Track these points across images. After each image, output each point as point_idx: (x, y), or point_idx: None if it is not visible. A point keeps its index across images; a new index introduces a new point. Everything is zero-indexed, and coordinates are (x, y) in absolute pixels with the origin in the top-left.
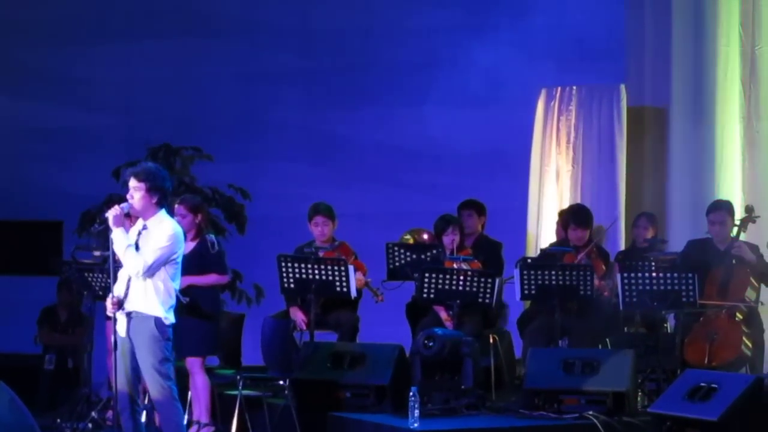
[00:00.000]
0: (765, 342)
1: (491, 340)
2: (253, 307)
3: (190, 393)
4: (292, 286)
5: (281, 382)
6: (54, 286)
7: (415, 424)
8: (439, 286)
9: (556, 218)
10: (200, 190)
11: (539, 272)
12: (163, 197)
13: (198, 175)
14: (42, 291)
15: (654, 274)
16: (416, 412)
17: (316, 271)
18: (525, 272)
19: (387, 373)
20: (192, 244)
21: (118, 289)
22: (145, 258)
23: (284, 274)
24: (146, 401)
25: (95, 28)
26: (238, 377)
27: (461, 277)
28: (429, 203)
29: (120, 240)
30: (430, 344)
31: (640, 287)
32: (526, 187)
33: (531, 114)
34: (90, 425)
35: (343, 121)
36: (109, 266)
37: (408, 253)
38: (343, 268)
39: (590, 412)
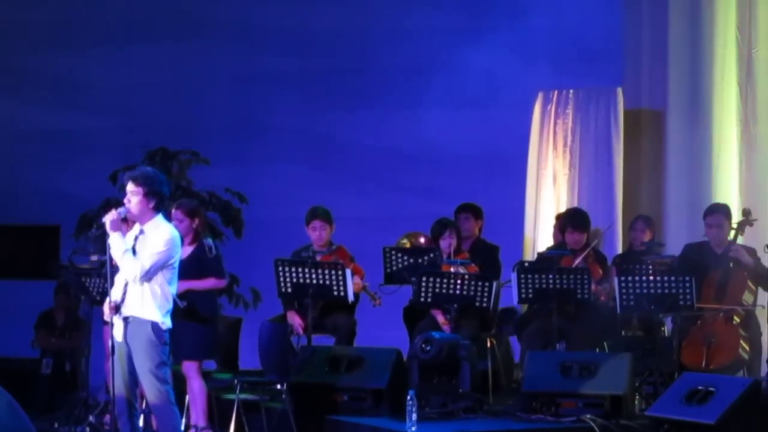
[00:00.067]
0: (762, 345)
1: (488, 344)
2: (250, 311)
3: (187, 397)
4: (289, 290)
5: (278, 386)
6: (51, 290)
7: (413, 428)
8: (437, 290)
9: (553, 221)
10: (197, 194)
11: (537, 276)
12: (160, 202)
13: (195, 179)
14: (39, 295)
15: (651, 278)
16: (413, 416)
17: (314, 275)
18: (522, 276)
19: (384, 376)
20: (189, 249)
21: (115, 294)
22: (143, 262)
23: (281, 278)
24: (144, 405)
25: (93, 31)
26: (236, 381)
27: (458, 281)
28: (426, 206)
29: (117, 244)
30: (428, 348)
31: (638, 290)
32: (524, 190)
33: (528, 117)
34: (87, 429)
35: (341, 123)
36: (107, 271)
37: (405, 257)
38: (340, 272)
39: (588, 416)
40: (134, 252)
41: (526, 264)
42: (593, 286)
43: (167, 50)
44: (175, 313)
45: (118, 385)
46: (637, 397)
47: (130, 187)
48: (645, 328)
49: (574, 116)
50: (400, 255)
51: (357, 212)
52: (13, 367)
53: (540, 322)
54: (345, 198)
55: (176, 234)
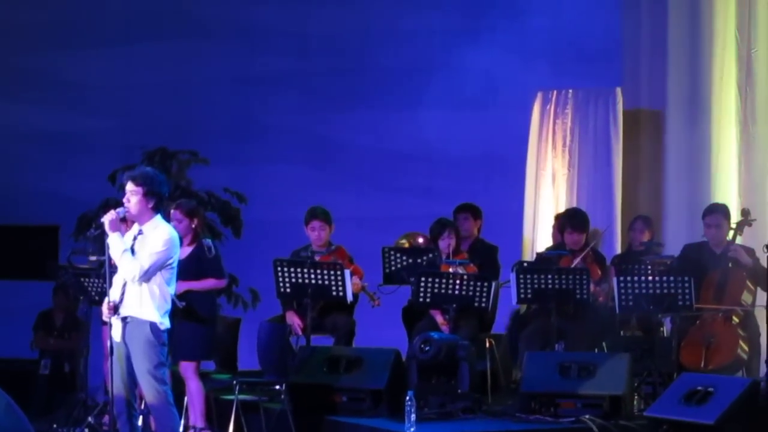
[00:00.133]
0: (761, 345)
1: (487, 344)
2: (249, 312)
3: (186, 398)
4: (288, 290)
5: (277, 387)
6: (50, 290)
7: (412, 428)
8: (435, 290)
9: (552, 222)
10: (196, 194)
11: (536, 276)
12: (159, 202)
13: (194, 179)
14: (38, 295)
15: (650, 278)
16: (412, 416)
17: (313, 276)
18: (521, 276)
19: (383, 377)
20: (189, 249)
21: (113, 294)
22: (141, 263)
23: (280, 279)
24: (142, 406)
25: (91, 31)
26: (235, 382)
27: (457, 281)
28: (425, 207)
29: (116, 245)
30: (427, 348)
31: (637, 291)
32: (522, 190)
33: (527, 117)
34: (86, 430)
35: (340, 124)
36: (105, 271)
37: (404, 258)
38: (339, 273)
39: (587, 416)
40: (133, 252)
41: (525, 264)
42: (592, 287)
43: (166, 50)
44: (174, 314)
45: (117, 385)
46: (635, 397)
47: (130, 186)
48: (644, 328)
49: (573, 116)
50: (399, 255)
51: (356, 212)
52: (11, 368)
53: (539, 323)
54: (344, 198)
55: (175, 234)
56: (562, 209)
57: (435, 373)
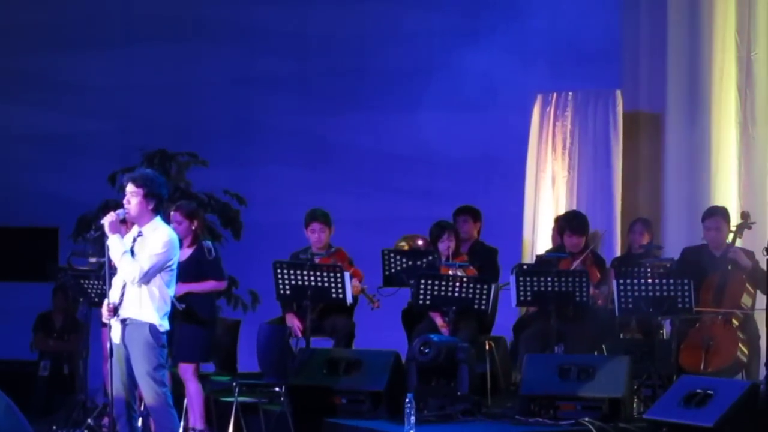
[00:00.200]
0: (761, 348)
1: (487, 346)
2: (248, 314)
3: (186, 399)
4: (287, 292)
5: (277, 389)
6: (49, 292)
7: (411, 431)
8: (435, 293)
9: (552, 224)
10: (196, 195)
11: (535, 278)
12: (159, 204)
13: (193, 181)
14: (37, 297)
15: (650, 280)
16: (412, 419)
17: (312, 278)
18: (521, 278)
19: (383, 379)
20: (189, 251)
21: (113, 296)
22: (141, 264)
23: (280, 281)
24: (142, 407)
25: (91, 33)
26: (234, 383)
27: (457, 284)
28: (424, 209)
29: (116, 246)
30: (426, 350)
31: (636, 293)
32: (522, 192)
33: (526, 118)
34: None
35: (339, 126)
36: (105, 273)
37: (404, 260)
38: (339, 275)
39: (586, 419)
40: (133, 254)
41: (525, 267)
42: (591, 290)
43: (166, 52)
44: (174, 316)
45: (117, 387)
46: (635, 399)
47: (130, 188)
48: (643, 330)
49: (573, 118)
50: (398, 257)
51: (355, 215)
52: (11, 370)
53: (538, 325)
54: (343, 200)
55: (175, 236)
56: (561, 211)
57: (434, 376)
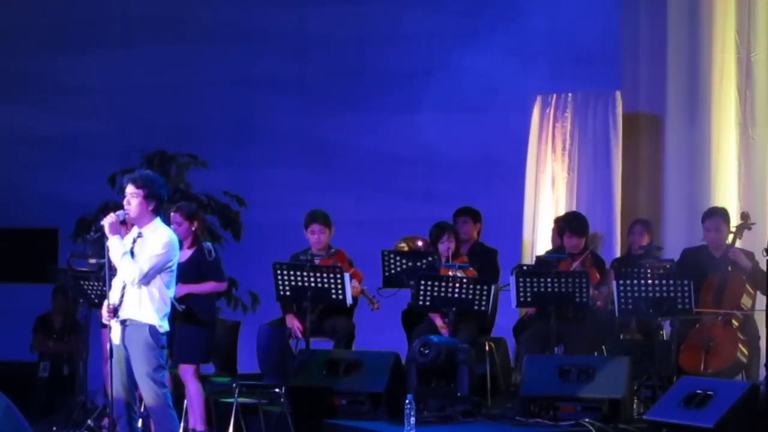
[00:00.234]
0: (760, 349)
1: (487, 347)
2: (248, 315)
3: (186, 400)
4: (287, 293)
5: (277, 390)
6: (49, 293)
7: None
8: (435, 294)
9: (551, 225)
10: (195, 197)
11: (535, 279)
12: (159, 205)
13: (193, 182)
14: (37, 298)
15: (649, 281)
16: (412, 419)
17: (312, 279)
18: (521, 279)
19: (382, 380)
20: (189, 252)
21: (113, 297)
22: (141, 265)
23: (280, 282)
24: (142, 408)
25: (90, 34)
26: (234, 384)
27: (457, 285)
28: (424, 210)
29: (116, 247)
30: (426, 351)
31: (636, 294)
32: (522, 193)
33: (526, 119)
34: None
35: (339, 127)
36: (105, 274)
37: (404, 261)
38: (338, 276)
39: (586, 419)
40: (132, 255)
41: (525, 267)
42: (591, 291)
43: (165, 53)
44: (174, 317)
45: (117, 388)
46: (635, 400)
47: (130, 189)
48: (643, 331)
49: (573, 119)
50: (398, 258)
51: (355, 216)
52: (10, 371)
53: (538, 326)
54: (343, 201)
55: (174, 237)
56: (561, 212)
57: (434, 377)
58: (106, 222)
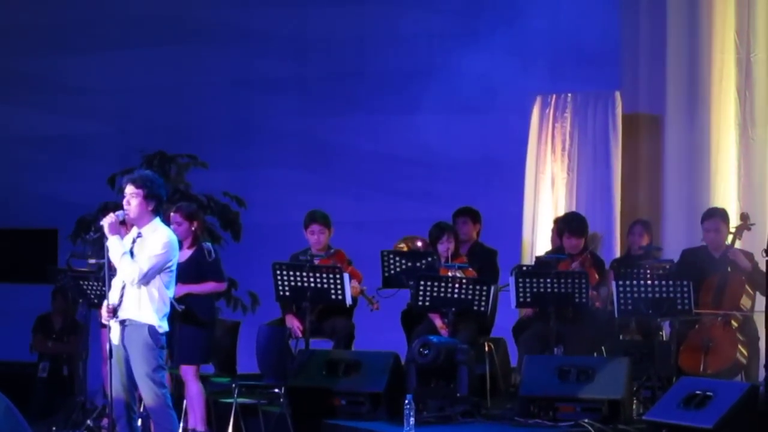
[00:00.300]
0: (760, 350)
1: (486, 348)
2: (248, 315)
3: (185, 401)
4: (287, 293)
5: (276, 390)
6: (49, 293)
7: None
8: (434, 294)
9: (551, 225)
10: (195, 197)
11: (534, 280)
12: (159, 205)
13: (193, 183)
14: (37, 299)
15: (649, 282)
16: (411, 420)
17: (311, 279)
18: (520, 280)
19: (382, 380)
20: (188, 252)
21: (112, 297)
22: (141, 265)
23: (279, 282)
24: (141, 409)
25: (90, 35)
26: (234, 385)
27: (456, 285)
28: (424, 210)
29: (116, 248)
30: (425, 352)
31: (635, 295)
32: (521, 194)
33: (526, 120)
34: None
35: (338, 128)
36: (104, 274)
37: (403, 261)
38: (338, 276)
39: (585, 420)
40: (132, 255)
41: (524, 268)
42: (590, 291)
43: (165, 54)
44: (174, 317)
45: (116, 388)
46: (634, 401)
47: (130, 189)
48: (643, 332)
49: (572, 120)
50: (398, 259)
51: (355, 216)
52: (10, 371)
53: (537, 326)
54: (343, 202)
55: (174, 237)
56: (561, 213)
57: (434, 377)
58: (106, 222)
